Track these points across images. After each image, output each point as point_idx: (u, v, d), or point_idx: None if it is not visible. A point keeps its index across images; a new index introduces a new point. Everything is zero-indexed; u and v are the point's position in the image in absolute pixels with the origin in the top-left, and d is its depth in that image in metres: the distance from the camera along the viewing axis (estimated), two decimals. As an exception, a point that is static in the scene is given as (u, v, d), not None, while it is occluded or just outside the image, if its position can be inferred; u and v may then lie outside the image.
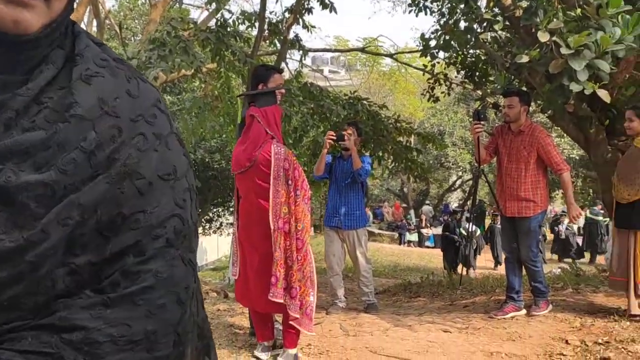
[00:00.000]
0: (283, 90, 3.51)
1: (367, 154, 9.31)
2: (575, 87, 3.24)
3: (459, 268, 11.33)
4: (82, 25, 11.76)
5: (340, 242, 4.91)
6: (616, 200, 4.17)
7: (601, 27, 3.24)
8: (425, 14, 7.62)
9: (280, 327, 3.91)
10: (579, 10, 3.38)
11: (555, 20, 3.37)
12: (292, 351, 3.34)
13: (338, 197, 4.86)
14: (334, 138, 4.54)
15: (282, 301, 3.14)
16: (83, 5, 9.98)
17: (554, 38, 3.30)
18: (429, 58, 7.69)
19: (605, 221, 14.75)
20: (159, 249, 0.66)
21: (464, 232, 11.31)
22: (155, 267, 0.66)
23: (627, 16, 3.24)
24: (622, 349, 3.31)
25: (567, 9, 3.44)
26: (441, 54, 7.60)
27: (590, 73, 3.29)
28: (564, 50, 3.19)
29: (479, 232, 12.75)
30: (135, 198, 0.66)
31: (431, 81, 8.70)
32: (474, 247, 11.86)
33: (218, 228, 18.54)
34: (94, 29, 11.43)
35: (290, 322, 3.21)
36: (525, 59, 3.58)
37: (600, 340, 3.49)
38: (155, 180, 0.67)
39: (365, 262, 4.90)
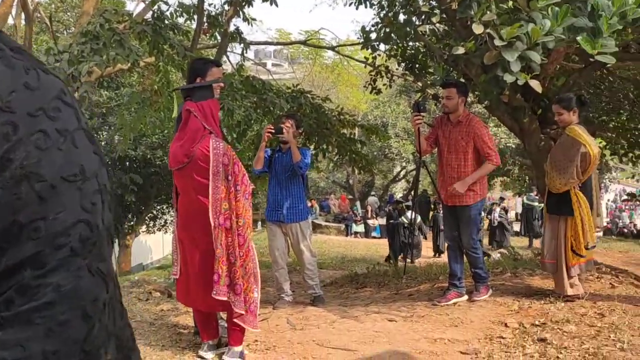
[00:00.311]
0: (222, 84, 3.43)
1: (312, 147, 9.33)
2: (508, 78, 3.33)
3: (401, 257, 11.58)
4: (10, 19, 11.18)
5: (284, 236, 4.88)
6: (548, 188, 4.34)
7: (532, 19, 3.34)
8: (366, 6, 7.67)
9: (225, 325, 3.87)
10: (510, 2, 3.48)
11: (488, 12, 3.45)
12: (238, 348, 3.29)
13: (279, 190, 4.82)
14: (272, 131, 4.49)
15: (225, 298, 3.09)
16: (9, -4, 9.48)
17: (488, 30, 3.38)
18: (370, 50, 7.77)
19: (540, 206, 15.39)
20: (62, 260, 0.59)
21: (405, 220, 11.52)
22: (57, 280, 0.59)
23: (557, 8, 3.35)
24: (558, 330, 3.45)
25: (499, 2, 3.53)
26: (382, 47, 7.68)
27: (523, 64, 3.39)
28: (497, 42, 3.28)
29: (419, 219, 12.99)
30: (34, 204, 0.58)
31: (373, 73, 8.78)
32: (417, 235, 12.13)
33: (163, 225, 18.15)
34: (23, 22, 10.87)
35: (234, 320, 3.16)
36: (461, 50, 3.65)
37: (537, 322, 3.62)
38: (59, 182, 0.60)
39: (310, 255, 4.89)
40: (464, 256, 4.58)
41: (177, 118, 3.32)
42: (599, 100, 7.73)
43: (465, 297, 4.46)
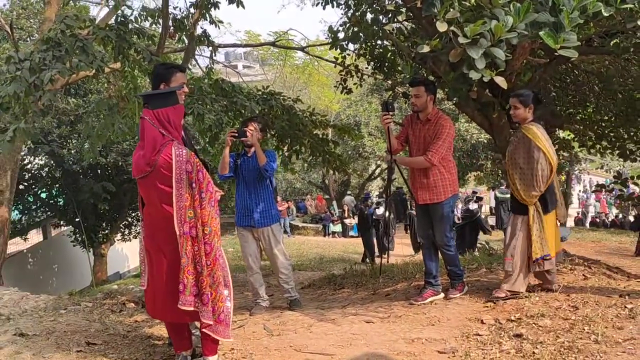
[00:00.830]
0: (186, 89, 3.35)
1: (285, 148, 9.28)
2: (474, 75, 3.33)
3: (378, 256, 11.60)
4: (-32, 27, 10.83)
5: (256, 240, 4.82)
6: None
7: (495, 16, 3.34)
8: (332, 6, 7.65)
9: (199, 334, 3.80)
10: (473, 0, 3.49)
11: (451, 10, 3.45)
12: (212, 359, 3.23)
13: (247, 195, 4.75)
14: (236, 135, 4.40)
15: (192, 308, 3.02)
16: (-34, 4, 9.19)
17: (452, 28, 3.37)
18: (338, 50, 7.75)
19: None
20: None
21: (376, 214, 11.57)
22: None
23: (518, 4, 3.37)
24: (533, 324, 3.47)
25: (463, 0, 3.53)
26: (350, 46, 7.67)
27: (488, 61, 3.39)
28: (461, 40, 3.27)
29: (388, 215, 12.98)
30: None
31: (343, 73, 8.77)
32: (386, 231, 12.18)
33: (138, 233, 17.88)
34: (-18, 29, 10.56)
35: (204, 330, 3.10)
36: (426, 49, 3.64)
37: (512, 318, 3.64)
38: None
39: (283, 259, 4.84)
40: (439, 254, 4.59)
41: (141, 125, 3.23)
42: (565, 94, 7.85)
43: (442, 295, 4.46)
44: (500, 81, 3.52)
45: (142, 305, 5.41)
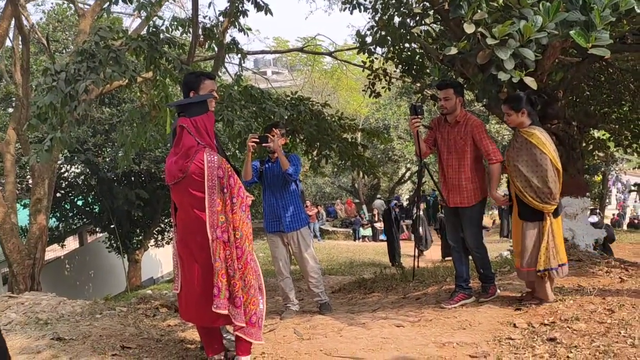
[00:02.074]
0: (216, 96, 3.41)
1: (314, 152, 9.31)
2: (503, 76, 3.30)
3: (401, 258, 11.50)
4: (7, 41, 11.24)
5: (285, 245, 4.84)
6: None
7: (523, 16, 3.31)
8: (360, 10, 7.67)
9: (232, 338, 3.84)
10: (501, 0, 3.45)
11: (479, 11, 3.43)
12: (245, 359, 3.26)
13: (274, 200, 4.77)
14: (257, 141, 4.38)
15: (226, 312, 3.07)
16: (6, 19, 9.54)
17: (480, 29, 3.35)
18: (366, 54, 7.76)
19: None
20: None
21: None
22: None
23: (548, 4, 3.33)
24: (567, 328, 3.40)
25: (490, 0, 3.50)
26: (378, 50, 7.67)
27: (517, 61, 3.36)
28: (489, 41, 3.25)
29: (417, 218, 12.75)
30: None
31: (371, 77, 8.78)
32: (418, 236, 12.04)
33: (171, 239, 18.15)
34: (21, 44, 10.92)
35: (236, 333, 3.14)
36: (453, 51, 3.62)
37: (546, 321, 3.57)
38: None
39: (313, 263, 4.85)
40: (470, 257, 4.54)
41: (172, 133, 3.31)
42: (599, 93, 7.68)
43: (473, 298, 4.41)
44: (530, 82, 3.48)
45: (175, 310, 5.50)
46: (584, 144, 7.60)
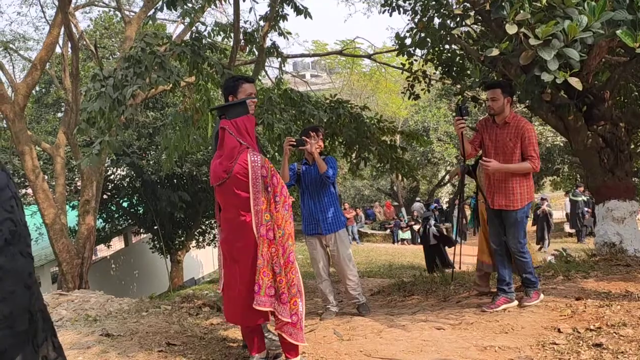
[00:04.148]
0: (255, 100, 3.49)
1: (353, 155, 9.33)
2: (546, 77, 3.26)
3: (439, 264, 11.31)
4: (57, 48, 11.70)
5: (324, 248, 4.88)
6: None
7: (568, 16, 3.26)
8: (399, 12, 7.65)
9: (274, 337, 3.90)
10: (544, 0, 3.40)
11: (522, 12, 3.39)
12: None
13: (312, 203, 4.81)
14: (294, 144, 4.39)
15: (268, 308, 3.12)
16: (56, 26, 9.93)
17: (522, 30, 3.31)
18: (406, 56, 7.74)
19: (584, 199, 15.18)
20: (1, 248, 0.82)
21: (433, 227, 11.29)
22: (1, 262, 0.82)
23: (593, 3, 3.27)
24: (614, 334, 3.31)
25: (533, 0, 3.46)
26: (418, 52, 7.65)
27: (561, 62, 3.31)
28: (532, 41, 3.21)
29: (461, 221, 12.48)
30: None
31: (410, 79, 8.75)
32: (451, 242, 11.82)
33: (212, 240, 18.48)
34: (70, 50, 11.35)
35: (278, 332, 3.18)
36: (495, 52, 3.59)
37: (592, 327, 3.49)
38: None
39: (351, 265, 4.87)
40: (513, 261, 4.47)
41: (214, 136, 3.39)
42: (648, 93, 7.41)
43: (515, 302, 4.34)
44: (575, 82, 3.41)
45: (217, 309, 5.62)
46: (632, 146, 7.37)
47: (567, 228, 18.14)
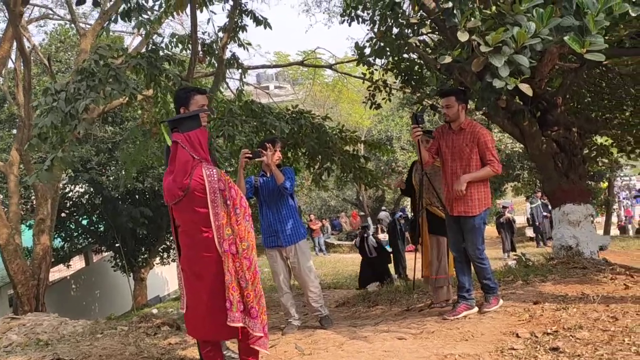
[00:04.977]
0: (207, 111, 3.40)
1: (316, 166, 9.30)
2: (498, 83, 3.28)
3: (406, 272, 11.37)
4: (10, 63, 11.35)
5: (284, 260, 4.80)
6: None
7: (517, 23, 3.30)
8: (358, 22, 7.69)
9: (233, 355, 3.79)
10: (494, 7, 3.44)
11: (472, 19, 3.42)
12: None
13: (271, 215, 4.72)
14: (250, 156, 4.31)
15: (241, 324, 3.03)
16: (7, 40, 9.62)
17: (474, 37, 3.34)
18: (366, 66, 7.77)
19: (539, 204, 15.58)
20: None
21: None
22: None
23: (541, 10, 3.31)
24: (571, 337, 3.33)
25: (483, 8, 3.49)
26: (377, 61, 7.68)
27: (512, 68, 3.33)
28: (483, 48, 3.23)
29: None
30: None
31: (371, 89, 8.79)
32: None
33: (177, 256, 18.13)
34: (22, 64, 11.02)
35: (252, 346, 3.09)
36: (448, 59, 3.61)
37: (549, 330, 3.51)
38: None
39: (313, 277, 4.79)
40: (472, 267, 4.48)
41: (166, 151, 3.28)
42: (600, 99, 7.65)
43: (476, 309, 4.34)
44: (526, 88, 3.45)
45: (177, 327, 5.47)
46: (586, 151, 7.55)
47: (528, 233, 18.50)
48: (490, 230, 21.20)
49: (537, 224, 16.22)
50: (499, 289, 4.55)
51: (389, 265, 11.07)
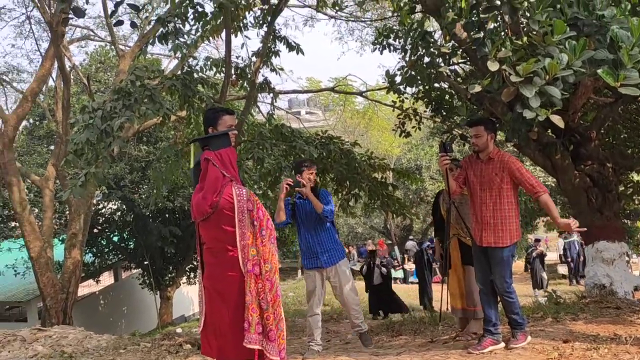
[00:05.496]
0: (235, 132, 3.45)
1: (343, 192, 9.28)
2: (528, 114, 3.24)
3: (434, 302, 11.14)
4: (50, 81, 11.78)
5: (322, 282, 4.84)
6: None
7: (549, 54, 3.27)
8: (390, 51, 7.74)
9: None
10: (525, 38, 3.43)
11: (503, 49, 3.41)
12: None
13: (310, 237, 4.77)
14: (291, 184, 4.45)
15: (258, 346, 3.01)
16: (49, 59, 10.00)
17: (504, 67, 3.32)
18: (396, 94, 7.80)
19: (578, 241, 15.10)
20: None
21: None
22: None
23: (574, 42, 3.28)
24: (601, 378, 3.21)
25: (515, 39, 3.48)
26: (408, 90, 7.70)
27: (543, 99, 3.30)
28: (514, 78, 3.21)
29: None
30: None
31: (401, 117, 8.80)
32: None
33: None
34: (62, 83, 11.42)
35: None
36: (477, 88, 3.60)
37: (578, 370, 3.39)
38: None
39: (354, 295, 4.87)
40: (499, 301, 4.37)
41: (194, 169, 3.34)
42: (637, 135, 7.47)
43: (502, 344, 4.21)
44: (557, 120, 3.40)
45: (198, 347, 5.46)
46: (622, 187, 7.36)
47: (560, 270, 17.95)
48: (520, 265, 20.72)
49: (570, 260, 15.73)
50: (528, 325, 4.42)
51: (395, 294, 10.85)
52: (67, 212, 14.27)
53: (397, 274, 20.28)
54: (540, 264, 14.36)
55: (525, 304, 6.15)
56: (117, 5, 4.85)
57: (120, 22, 5.37)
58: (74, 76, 13.25)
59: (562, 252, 17.04)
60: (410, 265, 19.86)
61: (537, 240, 15.73)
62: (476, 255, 4.52)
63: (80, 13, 4.74)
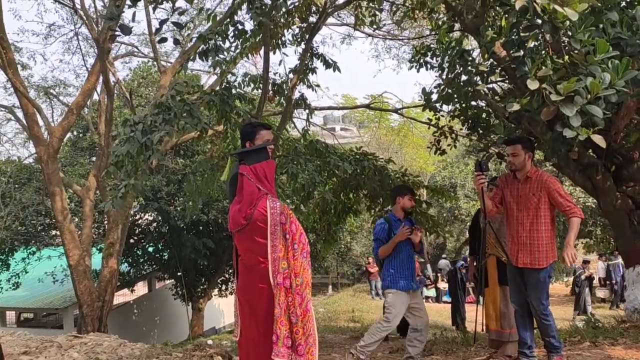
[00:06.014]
0: (272, 146, 3.50)
1: (377, 209, 9.25)
2: (569, 133, 3.20)
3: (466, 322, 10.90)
4: (95, 95, 12.17)
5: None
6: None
7: (591, 73, 3.23)
8: (427, 69, 7.73)
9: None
10: (566, 57, 3.39)
11: (543, 68, 3.37)
12: None
13: (409, 262, 5.03)
14: (409, 232, 4.85)
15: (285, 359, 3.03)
16: (94, 74, 10.35)
17: (544, 85, 3.29)
18: (432, 112, 7.78)
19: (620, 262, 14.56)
20: None
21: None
22: None
23: (617, 61, 3.23)
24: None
25: (556, 57, 3.45)
26: (444, 107, 7.67)
27: (584, 119, 3.25)
28: (554, 97, 3.18)
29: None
30: None
31: (437, 134, 8.75)
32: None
33: (235, 289, 18.32)
34: (106, 97, 11.78)
35: None
36: (516, 107, 3.56)
37: (618, 398, 3.28)
38: None
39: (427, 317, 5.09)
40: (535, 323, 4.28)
41: (231, 182, 3.40)
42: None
43: (538, 367, 4.13)
44: (599, 139, 3.34)
45: (229, 359, 5.50)
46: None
47: (599, 294, 17.37)
48: (559, 287, 20.14)
49: (615, 282, 15.14)
50: (564, 349, 4.31)
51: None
52: (106, 222, 14.63)
53: (429, 292, 20.02)
54: (588, 288, 13.82)
55: (562, 327, 5.99)
56: (161, 23, 5.00)
57: (164, 40, 5.53)
58: (117, 91, 13.66)
59: (602, 275, 16.49)
60: (443, 284, 19.58)
61: (586, 262, 14.93)
62: (512, 275, 4.45)
63: (126, 30, 4.90)
